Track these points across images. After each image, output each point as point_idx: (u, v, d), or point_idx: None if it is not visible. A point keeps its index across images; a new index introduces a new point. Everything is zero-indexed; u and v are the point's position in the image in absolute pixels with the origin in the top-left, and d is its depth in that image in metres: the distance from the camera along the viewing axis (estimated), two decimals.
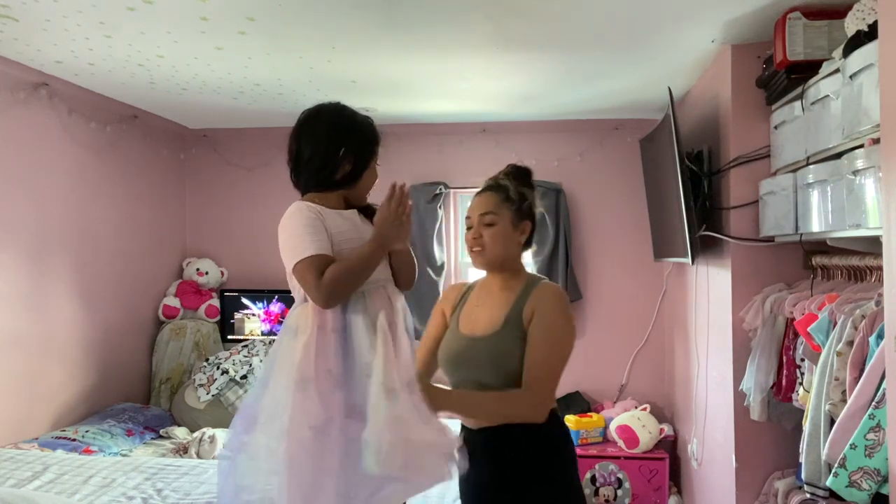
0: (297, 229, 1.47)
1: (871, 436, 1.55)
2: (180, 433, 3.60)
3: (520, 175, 1.77)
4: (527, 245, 1.76)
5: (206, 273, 4.35)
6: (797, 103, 2.24)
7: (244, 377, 3.84)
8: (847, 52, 1.81)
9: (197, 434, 3.40)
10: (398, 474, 1.40)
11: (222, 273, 4.43)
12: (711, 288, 3.04)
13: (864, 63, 1.69)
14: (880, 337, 1.61)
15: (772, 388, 2.42)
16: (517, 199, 1.71)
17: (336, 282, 1.42)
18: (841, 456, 1.59)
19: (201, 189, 4.53)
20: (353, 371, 1.40)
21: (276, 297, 4.32)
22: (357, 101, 3.43)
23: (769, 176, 2.54)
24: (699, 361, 3.26)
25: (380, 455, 1.36)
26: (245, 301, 4.37)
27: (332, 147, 1.57)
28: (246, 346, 4.07)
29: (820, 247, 2.37)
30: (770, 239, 2.54)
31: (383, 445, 1.36)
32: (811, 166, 2.12)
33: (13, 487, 2.39)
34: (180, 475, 2.62)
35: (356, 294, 1.48)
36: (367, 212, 1.65)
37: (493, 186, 1.73)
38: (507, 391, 1.58)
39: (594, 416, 3.93)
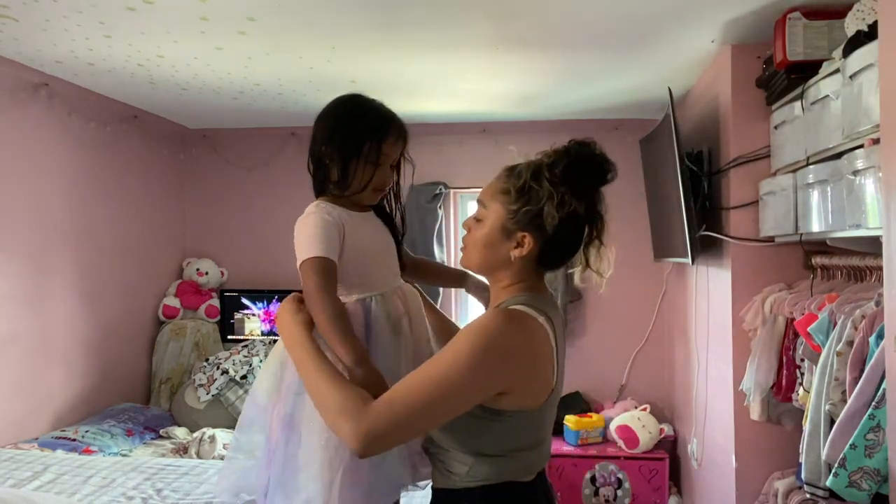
0: (309, 229, 1.36)
1: (871, 436, 1.55)
2: (180, 433, 3.59)
3: (568, 164, 1.19)
4: (544, 265, 1.26)
5: (206, 273, 4.35)
6: (797, 103, 2.24)
7: (244, 377, 3.84)
8: (847, 52, 1.81)
9: (197, 434, 3.40)
10: (412, 477, 1.42)
11: (222, 273, 4.43)
12: (711, 288, 3.04)
13: (864, 63, 1.69)
14: (880, 337, 1.61)
15: (772, 388, 2.42)
16: (518, 196, 1.20)
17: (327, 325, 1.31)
18: (841, 456, 1.59)
19: (201, 189, 4.53)
20: None
21: (276, 297, 4.31)
22: None
23: (769, 176, 2.54)
24: (699, 361, 3.26)
25: (403, 459, 1.38)
26: (245, 301, 4.36)
27: (318, 150, 1.42)
28: (246, 346, 4.07)
29: (820, 247, 2.37)
30: (770, 239, 2.54)
31: (404, 451, 1.37)
32: (811, 166, 2.12)
33: (13, 487, 2.39)
34: (180, 475, 2.62)
35: (376, 298, 1.41)
36: (381, 213, 1.51)
37: (509, 168, 1.25)
38: (353, 389, 1.16)
39: (594, 416, 3.93)
